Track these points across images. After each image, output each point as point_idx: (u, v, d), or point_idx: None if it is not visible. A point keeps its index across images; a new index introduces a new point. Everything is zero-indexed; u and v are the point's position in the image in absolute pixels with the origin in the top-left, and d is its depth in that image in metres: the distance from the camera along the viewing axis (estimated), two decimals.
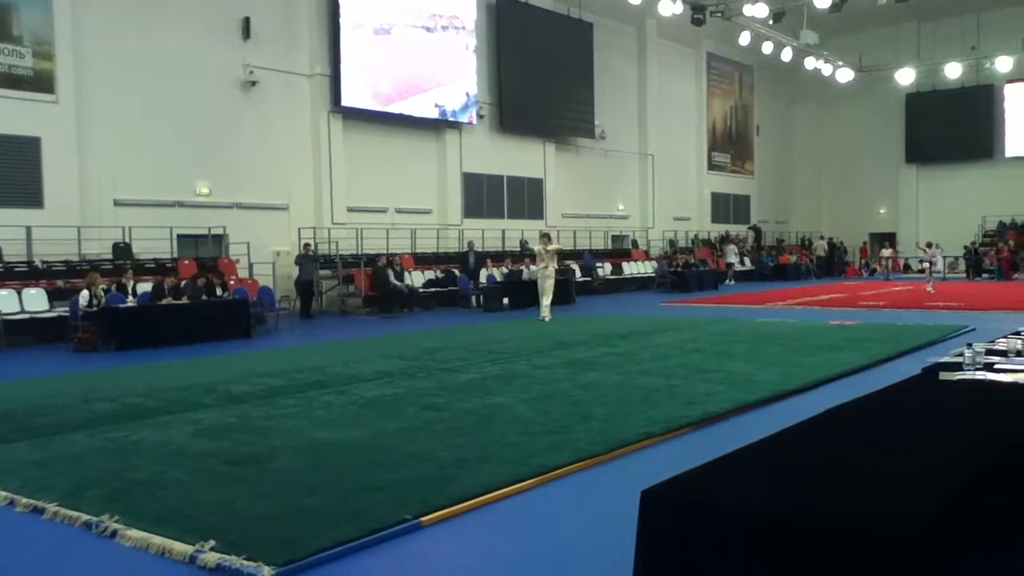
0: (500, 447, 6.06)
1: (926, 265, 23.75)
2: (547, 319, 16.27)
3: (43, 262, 15.70)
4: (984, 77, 33.76)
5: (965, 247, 33.01)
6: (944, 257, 32.34)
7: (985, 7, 33.12)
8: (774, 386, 8.38)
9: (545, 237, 17.22)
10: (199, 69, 18.79)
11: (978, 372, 4.59)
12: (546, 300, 16.60)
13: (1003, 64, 31.26)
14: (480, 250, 23.83)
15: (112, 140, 17.29)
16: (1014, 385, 4.26)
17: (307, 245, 19.29)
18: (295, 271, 20.15)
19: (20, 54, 15.90)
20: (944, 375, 4.63)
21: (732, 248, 31.97)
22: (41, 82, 16.15)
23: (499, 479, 5.18)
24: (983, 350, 5.06)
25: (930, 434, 3.41)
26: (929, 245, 25.44)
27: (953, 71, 32.22)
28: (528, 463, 5.55)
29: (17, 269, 15.33)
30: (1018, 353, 4.98)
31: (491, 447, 6.06)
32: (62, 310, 14.47)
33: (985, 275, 31.57)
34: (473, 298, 21.00)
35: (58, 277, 15.48)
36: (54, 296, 14.92)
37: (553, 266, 16.94)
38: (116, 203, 17.39)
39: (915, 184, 37.81)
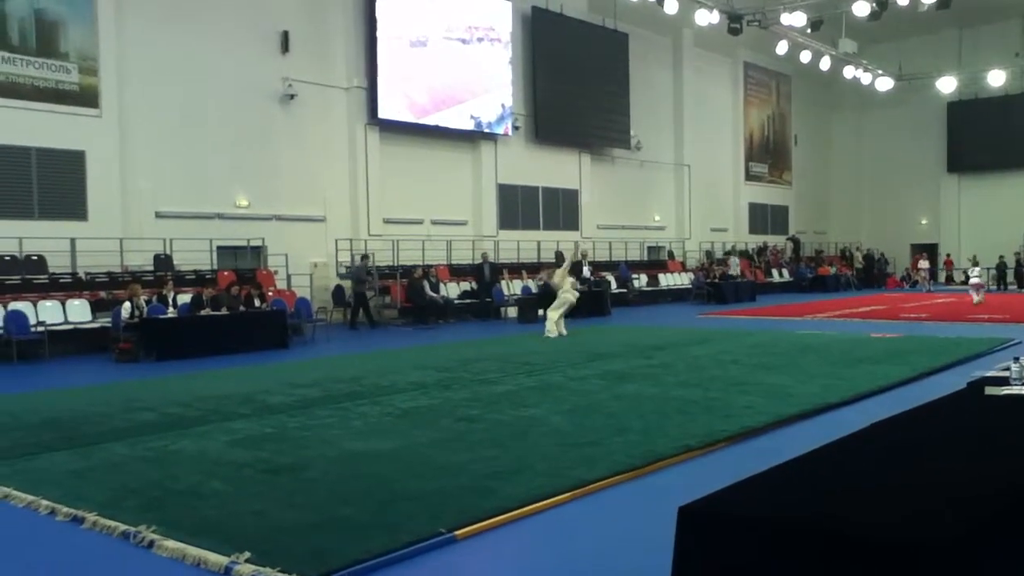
0: (535, 460, 6.02)
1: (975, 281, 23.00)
2: (551, 334, 15.55)
3: (86, 273, 15.99)
4: None
5: (1000, 257, 32.25)
6: (988, 269, 31.71)
7: None
8: (814, 399, 8.25)
9: (559, 257, 16.68)
10: (238, 83, 19.07)
11: None
12: (553, 314, 15.83)
13: None
14: (515, 261, 23.85)
15: (154, 153, 17.59)
16: None
17: (365, 256, 19.59)
18: (332, 282, 20.32)
19: (67, 70, 16.26)
20: (990, 390, 4.51)
21: (735, 260, 30.08)
22: (86, 97, 16.50)
23: (534, 492, 5.14)
24: None
25: (977, 451, 3.31)
26: (965, 281, 25.11)
27: (996, 79, 31.61)
28: (564, 476, 5.51)
29: (62, 280, 15.62)
30: None
31: (526, 459, 6.02)
32: (104, 321, 14.70)
33: None
34: (504, 309, 20.98)
35: (101, 288, 15.76)
36: (97, 307, 15.17)
37: (568, 282, 16.20)
38: (157, 215, 17.68)
39: (957, 194, 37.09)
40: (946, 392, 5.05)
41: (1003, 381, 4.60)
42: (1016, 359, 4.75)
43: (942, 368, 10.40)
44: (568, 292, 15.98)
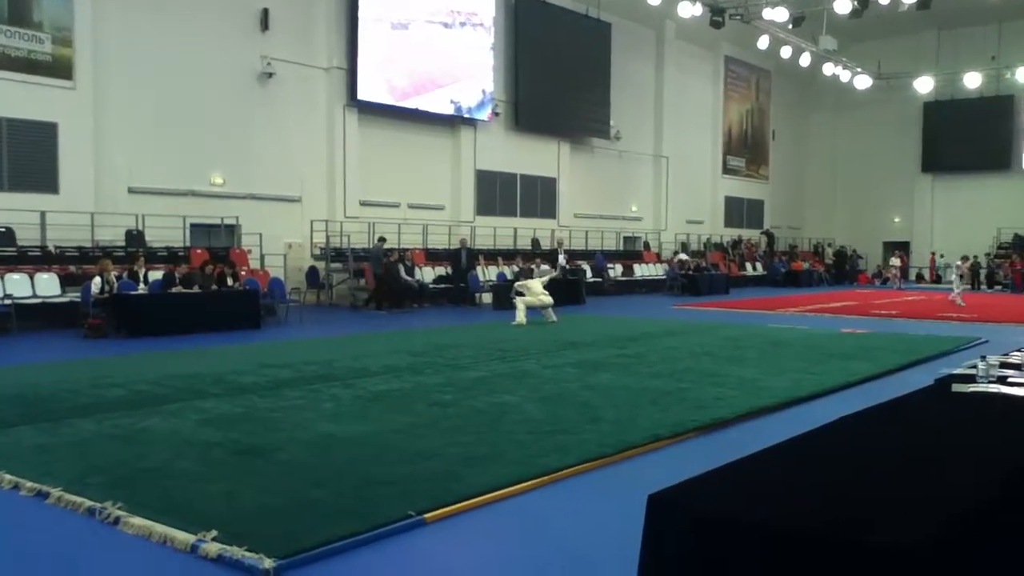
0: (507, 446, 6.03)
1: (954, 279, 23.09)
2: (521, 322, 15.58)
3: (56, 247, 15.76)
4: (1004, 87, 33.49)
5: (974, 257, 32.69)
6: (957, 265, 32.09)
7: (1007, 17, 32.88)
8: (785, 393, 8.33)
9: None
10: (217, 60, 18.83)
11: (991, 385, 4.53)
12: (521, 305, 15.89)
13: None
14: (492, 247, 23.82)
15: (128, 128, 17.34)
16: None
17: (382, 239, 19.74)
18: (306, 263, 20.19)
19: (39, 39, 15.96)
20: (957, 387, 4.57)
21: (683, 256, 28.35)
22: (59, 68, 16.21)
23: (505, 479, 5.15)
24: (997, 363, 4.99)
25: (944, 447, 3.36)
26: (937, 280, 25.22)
27: (972, 81, 31.97)
28: (535, 463, 5.52)
29: (31, 254, 15.39)
30: None
31: (498, 446, 6.03)
32: (74, 296, 14.51)
33: (998, 287, 31.36)
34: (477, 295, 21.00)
35: (71, 263, 15.53)
36: (66, 281, 14.95)
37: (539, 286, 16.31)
38: (130, 191, 17.45)
39: (930, 193, 37.55)
40: (914, 389, 5.11)
41: (970, 379, 4.66)
42: (983, 357, 4.82)
43: (910, 365, 10.53)
44: (540, 296, 16.04)
